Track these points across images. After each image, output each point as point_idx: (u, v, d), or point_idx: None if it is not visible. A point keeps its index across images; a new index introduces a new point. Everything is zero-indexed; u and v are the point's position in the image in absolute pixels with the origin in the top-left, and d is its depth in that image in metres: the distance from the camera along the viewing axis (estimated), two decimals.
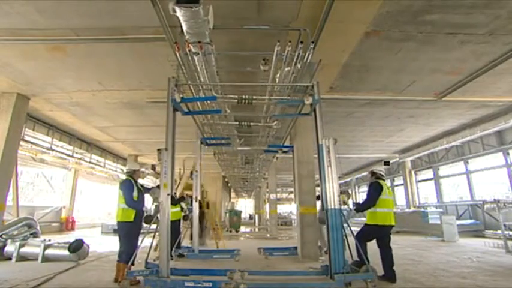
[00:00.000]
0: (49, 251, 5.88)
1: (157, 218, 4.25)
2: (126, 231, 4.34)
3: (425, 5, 4.25)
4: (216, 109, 5.95)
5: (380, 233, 4.42)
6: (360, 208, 4.62)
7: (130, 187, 4.45)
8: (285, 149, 8.17)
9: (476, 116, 9.33)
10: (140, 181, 4.95)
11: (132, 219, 4.32)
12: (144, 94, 7.32)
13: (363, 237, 4.44)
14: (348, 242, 4.21)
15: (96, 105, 8.26)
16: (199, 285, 3.74)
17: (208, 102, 5.82)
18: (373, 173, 4.80)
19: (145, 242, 4.52)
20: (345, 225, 4.12)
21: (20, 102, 7.31)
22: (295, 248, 7.13)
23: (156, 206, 4.85)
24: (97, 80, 6.70)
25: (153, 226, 4.75)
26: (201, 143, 7.45)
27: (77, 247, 5.78)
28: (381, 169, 4.85)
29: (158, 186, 4.32)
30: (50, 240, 6.14)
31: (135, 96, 7.47)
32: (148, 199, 5.05)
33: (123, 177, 4.80)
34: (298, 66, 4.64)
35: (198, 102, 5.70)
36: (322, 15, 4.14)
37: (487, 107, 8.58)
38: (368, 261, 4.04)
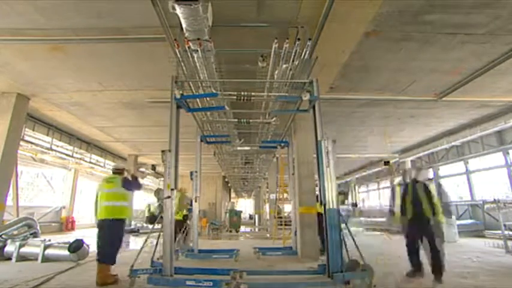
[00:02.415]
0: (49, 251, 5.87)
1: (161, 217, 4.30)
2: (121, 229, 4.41)
3: (425, 5, 4.26)
4: (217, 106, 5.99)
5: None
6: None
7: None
8: (282, 145, 8.17)
9: (476, 116, 9.32)
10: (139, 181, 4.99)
11: (129, 215, 4.45)
12: (144, 94, 7.33)
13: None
14: (345, 241, 4.22)
15: (96, 105, 8.26)
16: (200, 284, 3.75)
17: (208, 99, 5.84)
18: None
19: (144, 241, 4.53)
20: (343, 225, 4.14)
21: (20, 102, 7.32)
22: (290, 248, 7.15)
23: (159, 205, 4.91)
24: (97, 80, 6.70)
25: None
26: (201, 140, 7.47)
27: (77, 247, 5.76)
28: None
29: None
30: (49, 240, 6.13)
31: (135, 96, 7.47)
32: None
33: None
34: (296, 63, 4.65)
35: (198, 100, 5.72)
36: (322, 15, 4.14)
37: (487, 107, 8.57)
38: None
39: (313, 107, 4.66)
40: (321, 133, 4.40)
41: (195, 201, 7.09)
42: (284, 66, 4.79)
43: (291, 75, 4.96)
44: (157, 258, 5.06)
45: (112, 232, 4.35)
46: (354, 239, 4.20)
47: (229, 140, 8.16)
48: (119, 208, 4.37)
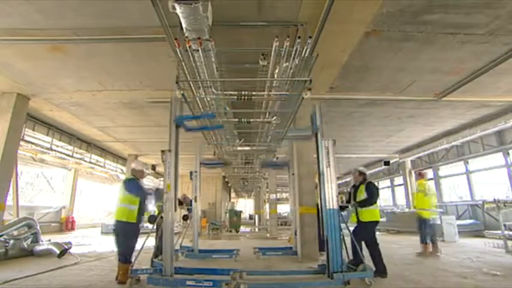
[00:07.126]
0: None
1: (161, 217, 4.31)
2: (128, 232, 4.34)
3: (425, 5, 4.26)
4: (218, 125, 6.19)
5: (374, 229, 4.65)
6: (365, 204, 4.73)
7: (139, 185, 4.54)
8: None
9: (476, 116, 9.32)
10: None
11: (135, 221, 4.33)
12: (145, 94, 7.32)
13: (363, 235, 4.52)
14: (345, 241, 4.23)
15: (96, 105, 8.26)
16: (200, 284, 3.76)
17: (208, 99, 5.83)
18: (363, 174, 5.06)
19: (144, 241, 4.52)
20: (343, 225, 4.15)
21: (20, 102, 7.31)
22: (290, 248, 7.15)
23: (159, 206, 4.91)
24: (97, 80, 6.70)
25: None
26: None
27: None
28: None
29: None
30: (49, 240, 6.20)
31: (135, 96, 7.46)
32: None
33: (123, 177, 4.84)
34: (296, 61, 4.65)
35: (198, 100, 5.72)
36: (322, 15, 4.14)
37: (487, 107, 8.57)
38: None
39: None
40: (320, 131, 4.41)
41: (195, 201, 7.09)
42: (285, 64, 4.79)
43: (291, 74, 4.96)
44: (158, 258, 5.07)
45: (120, 233, 4.37)
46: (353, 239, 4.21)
47: (228, 140, 8.17)
48: (125, 210, 4.31)
